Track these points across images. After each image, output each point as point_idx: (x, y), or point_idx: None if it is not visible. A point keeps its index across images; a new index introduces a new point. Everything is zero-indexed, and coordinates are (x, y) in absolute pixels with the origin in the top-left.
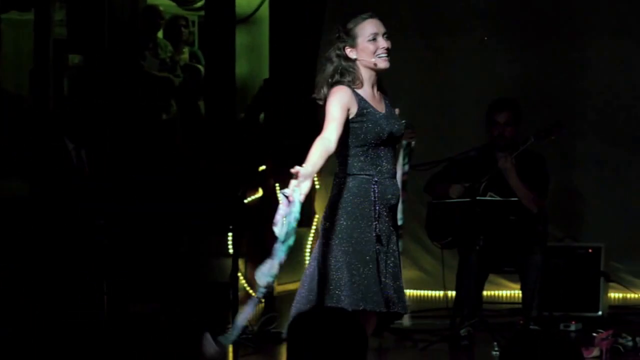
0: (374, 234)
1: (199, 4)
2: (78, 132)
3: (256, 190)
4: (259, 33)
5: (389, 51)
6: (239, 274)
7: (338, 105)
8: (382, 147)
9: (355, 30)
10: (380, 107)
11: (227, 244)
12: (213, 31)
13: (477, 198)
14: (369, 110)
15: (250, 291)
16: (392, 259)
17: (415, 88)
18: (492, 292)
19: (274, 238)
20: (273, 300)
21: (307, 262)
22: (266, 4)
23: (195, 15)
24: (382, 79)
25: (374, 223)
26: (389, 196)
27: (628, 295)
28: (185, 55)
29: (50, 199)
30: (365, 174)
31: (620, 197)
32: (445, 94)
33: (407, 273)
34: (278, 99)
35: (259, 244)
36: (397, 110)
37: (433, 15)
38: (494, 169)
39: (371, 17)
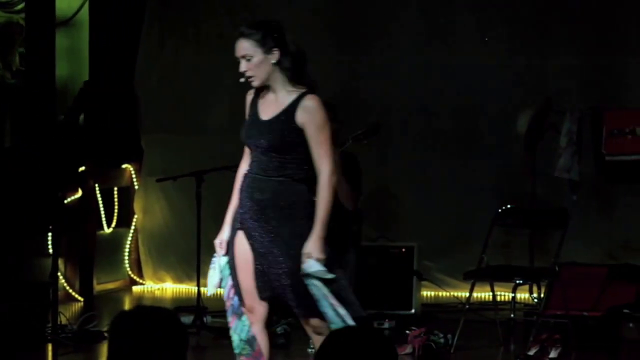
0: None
1: (19, 7)
2: None
3: (76, 191)
4: (79, 35)
5: (245, 74)
6: (59, 274)
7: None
8: (254, 151)
9: None
10: (266, 113)
11: (47, 244)
12: (33, 33)
13: None
14: (248, 114)
15: (70, 290)
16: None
17: (234, 93)
18: None
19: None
20: (93, 300)
21: (126, 262)
22: (86, 7)
23: (18, 17)
24: None
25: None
26: (251, 190)
27: (440, 294)
28: (17, 58)
29: None
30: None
31: (432, 197)
32: None
33: None
34: (98, 100)
35: (78, 244)
36: None
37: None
38: None
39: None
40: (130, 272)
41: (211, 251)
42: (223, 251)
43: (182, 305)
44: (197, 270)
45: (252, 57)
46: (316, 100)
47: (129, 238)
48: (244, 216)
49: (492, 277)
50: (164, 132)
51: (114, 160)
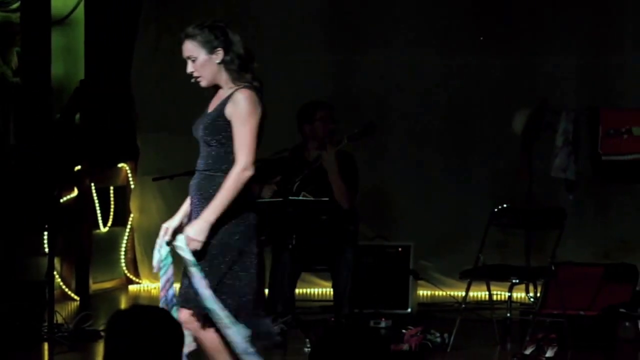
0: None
1: (15, 6)
2: None
3: (72, 190)
4: (75, 34)
5: (193, 75)
6: (55, 273)
7: None
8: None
9: None
10: (210, 108)
11: (43, 243)
12: (29, 33)
13: (290, 198)
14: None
15: (66, 290)
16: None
17: None
18: (305, 290)
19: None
20: (89, 299)
21: (122, 261)
22: (82, 6)
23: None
24: None
25: None
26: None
27: (436, 293)
28: (15, 58)
29: None
30: None
31: (428, 197)
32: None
33: None
34: (94, 99)
35: (74, 243)
36: None
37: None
38: (308, 167)
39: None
40: (126, 271)
41: None
42: (167, 237)
43: None
44: None
45: (197, 58)
46: (246, 94)
47: (125, 237)
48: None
49: (488, 276)
50: (159, 131)
51: (109, 160)
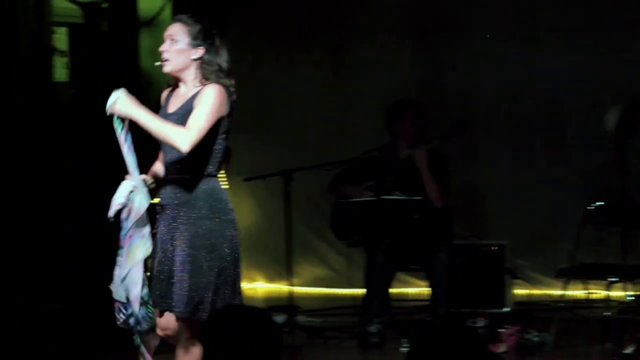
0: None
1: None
2: None
3: None
4: (162, 35)
5: (162, 54)
6: None
7: None
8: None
9: None
10: (172, 107)
11: None
12: (117, 34)
13: (382, 197)
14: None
15: None
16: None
17: (319, 94)
18: (400, 290)
19: None
20: None
21: None
22: (168, 7)
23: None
24: None
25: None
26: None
27: (532, 292)
28: None
29: None
30: None
31: (523, 194)
32: (348, 98)
33: (315, 271)
34: None
35: None
36: None
37: (333, 22)
38: (400, 166)
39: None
40: None
41: (303, 250)
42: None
43: (274, 304)
44: (288, 269)
45: (177, 43)
46: (217, 88)
47: None
48: None
49: (585, 275)
50: (249, 132)
51: None
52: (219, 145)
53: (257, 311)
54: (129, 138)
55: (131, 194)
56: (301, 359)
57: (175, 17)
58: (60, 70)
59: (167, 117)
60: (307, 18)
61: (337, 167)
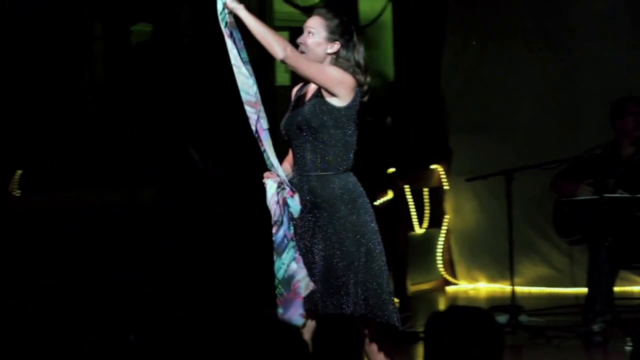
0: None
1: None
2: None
3: (386, 193)
4: (383, 37)
5: (299, 46)
6: None
7: None
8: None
9: None
10: (300, 102)
11: None
12: None
13: (605, 195)
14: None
15: None
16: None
17: (540, 90)
18: (623, 288)
19: (405, 238)
20: (407, 300)
21: (439, 262)
22: (389, 9)
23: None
24: None
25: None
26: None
27: None
28: None
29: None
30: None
31: None
32: (569, 94)
33: (537, 270)
34: (404, 101)
35: (390, 244)
36: None
37: (556, 20)
38: (624, 164)
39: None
40: (443, 273)
41: (524, 250)
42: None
43: (496, 304)
44: (510, 269)
45: (314, 35)
46: (348, 73)
47: (441, 238)
48: None
49: None
50: (471, 131)
51: (422, 161)
52: (351, 138)
53: (479, 311)
54: (236, 33)
55: (280, 190)
56: (524, 358)
57: (315, 10)
58: (282, 75)
59: (298, 111)
60: (532, 18)
61: (559, 166)
